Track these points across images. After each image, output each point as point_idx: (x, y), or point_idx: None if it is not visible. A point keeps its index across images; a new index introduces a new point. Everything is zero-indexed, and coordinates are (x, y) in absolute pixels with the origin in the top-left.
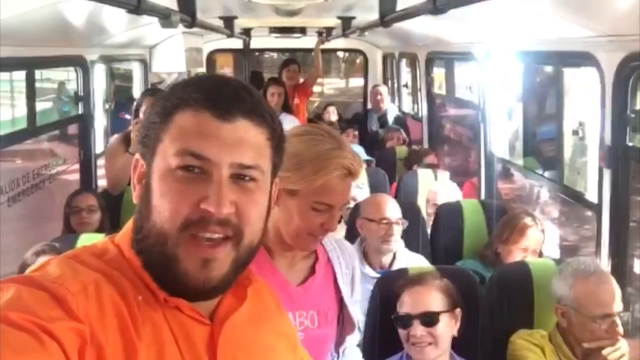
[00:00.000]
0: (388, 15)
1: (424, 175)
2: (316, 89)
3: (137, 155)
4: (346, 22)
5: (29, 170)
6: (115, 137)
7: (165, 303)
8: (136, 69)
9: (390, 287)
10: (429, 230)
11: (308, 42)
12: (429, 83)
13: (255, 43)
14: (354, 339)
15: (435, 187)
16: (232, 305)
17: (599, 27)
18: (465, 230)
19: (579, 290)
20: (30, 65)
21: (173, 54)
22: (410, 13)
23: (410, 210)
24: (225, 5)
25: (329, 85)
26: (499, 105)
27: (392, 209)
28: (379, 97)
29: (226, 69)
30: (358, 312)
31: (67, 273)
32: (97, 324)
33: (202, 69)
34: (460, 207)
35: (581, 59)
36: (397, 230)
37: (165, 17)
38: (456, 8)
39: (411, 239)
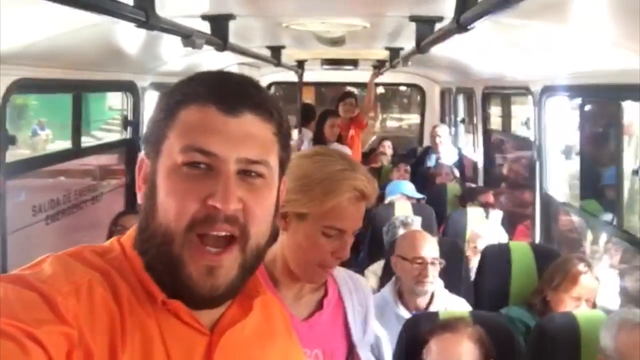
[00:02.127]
0: (423, 41)
1: (474, 213)
2: (394, 123)
3: (142, 155)
4: (394, 52)
5: (72, 189)
6: None
7: (163, 306)
8: None
9: (418, 330)
10: (473, 273)
11: (363, 75)
12: (486, 119)
13: (310, 76)
14: None
15: (477, 229)
16: (235, 316)
17: None
18: (513, 274)
19: (622, 340)
20: (78, 88)
21: None
22: (440, 36)
23: (452, 250)
24: (272, 35)
25: (408, 120)
26: (556, 144)
27: (428, 248)
28: (437, 139)
29: (309, 101)
30: (369, 354)
31: (60, 272)
32: (86, 327)
33: None
34: (509, 249)
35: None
36: (433, 270)
37: (186, 37)
38: (479, 21)
39: (453, 281)
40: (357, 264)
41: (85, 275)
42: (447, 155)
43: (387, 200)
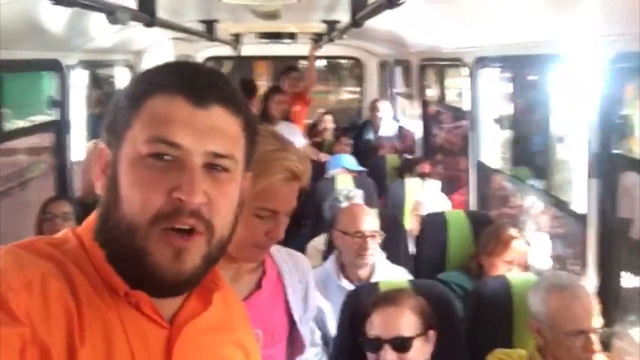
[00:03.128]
0: (357, 14)
1: (411, 184)
2: (349, 96)
3: (102, 144)
4: (331, 26)
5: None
6: (92, 143)
7: (126, 298)
8: (123, 75)
9: (360, 302)
10: (413, 242)
11: (302, 49)
12: (422, 90)
13: (247, 50)
14: (308, 358)
15: (420, 197)
16: (195, 309)
17: (584, 27)
18: (450, 241)
19: (552, 304)
20: None
21: (162, 60)
22: (374, 10)
23: (391, 222)
24: (205, 9)
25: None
26: (488, 113)
27: (367, 222)
28: (377, 113)
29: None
30: (308, 330)
31: (11, 267)
32: (40, 324)
33: None
34: (445, 218)
35: (566, 61)
36: (372, 243)
37: (109, 13)
38: None
39: (392, 251)
40: (301, 239)
41: (39, 268)
42: (386, 128)
43: (328, 175)
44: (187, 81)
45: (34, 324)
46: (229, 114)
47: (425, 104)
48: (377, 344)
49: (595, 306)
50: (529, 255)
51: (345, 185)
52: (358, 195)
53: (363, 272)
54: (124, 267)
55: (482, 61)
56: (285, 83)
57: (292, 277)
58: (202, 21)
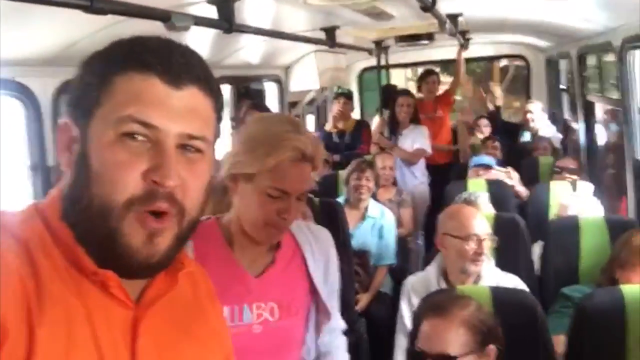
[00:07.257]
0: None
1: (559, 187)
2: None
3: (66, 119)
4: (452, 19)
5: None
6: None
7: (93, 277)
8: (271, 89)
9: None
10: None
11: (450, 52)
12: (582, 84)
13: (396, 58)
14: (336, 328)
15: (567, 200)
16: (161, 289)
17: None
18: (583, 250)
19: None
20: None
21: (307, 73)
22: None
23: (509, 226)
24: (319, 17)
25: None
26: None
27: (481, 224)
28: (528, 115)
29: None
30: (335, 298)
31: None
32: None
33: (349, 87)
34: (578, 223)
35: None
36: (487, 247)
37: (164, 20)
38: None
39: (510, 259)
40: None
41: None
42: (542, 129)
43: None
44: (162, 60)
45: None
46: (202, 95)
47: (585, 98)
48: (420, 358)
49: None
50: None
51: (476, 188)
52: (481, 199)
53: (470, 279)
54: (92, 248)
55: (631, 41)
56: (424, 88)
57: (313, 249)
58: (323, 29)
